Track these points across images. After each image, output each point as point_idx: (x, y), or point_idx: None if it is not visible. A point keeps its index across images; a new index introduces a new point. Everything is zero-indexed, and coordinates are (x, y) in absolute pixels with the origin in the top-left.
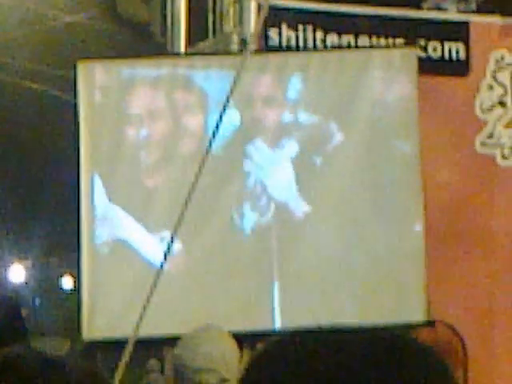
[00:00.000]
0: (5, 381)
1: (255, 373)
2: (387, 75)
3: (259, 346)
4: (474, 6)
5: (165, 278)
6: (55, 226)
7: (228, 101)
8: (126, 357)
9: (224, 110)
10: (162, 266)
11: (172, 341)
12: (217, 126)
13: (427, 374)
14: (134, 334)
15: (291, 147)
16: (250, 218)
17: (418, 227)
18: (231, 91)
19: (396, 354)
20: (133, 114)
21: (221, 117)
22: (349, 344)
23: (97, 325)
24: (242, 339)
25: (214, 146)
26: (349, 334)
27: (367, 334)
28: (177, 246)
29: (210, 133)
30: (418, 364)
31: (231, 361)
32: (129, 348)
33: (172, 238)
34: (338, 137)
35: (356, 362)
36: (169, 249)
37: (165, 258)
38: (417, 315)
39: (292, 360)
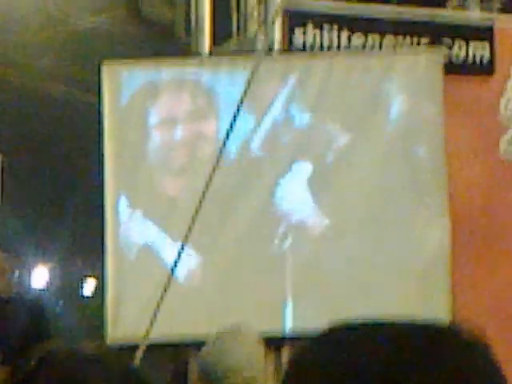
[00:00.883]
0: (45, 377)
1: (297, 374)
2: (412, 80)
3: (298, 345)
4: (497, 6)
5: (185, 286)
6: (79, 229)
7: (241, 103)
8: (137, 359)
9: (238, 112)
10: (172, 271)
11: (196, 344)
12: (229, 131)
13: (473, 370)
14: (144, 340)
15: (307, 163)
16: (268, 235)
17: (444, 230)
18: (245, 93)
19: (438, 346)
20: (155, 118)
21: (235, 120)
22: (391, 337)
23: (121, 329)
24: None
25: (231, 152)
26: (387, 328)
27: (406, 327)
28: (196, 255)
29: (227, 137)
30: (462, 358)
31: (258, 361)
32: (140, 352)
33: (182, 244)
34: (359, 145)
35: (406, 354)
36: (179, 254)
37: (176, 264)
38: (442, 315)
39: (335, 358)
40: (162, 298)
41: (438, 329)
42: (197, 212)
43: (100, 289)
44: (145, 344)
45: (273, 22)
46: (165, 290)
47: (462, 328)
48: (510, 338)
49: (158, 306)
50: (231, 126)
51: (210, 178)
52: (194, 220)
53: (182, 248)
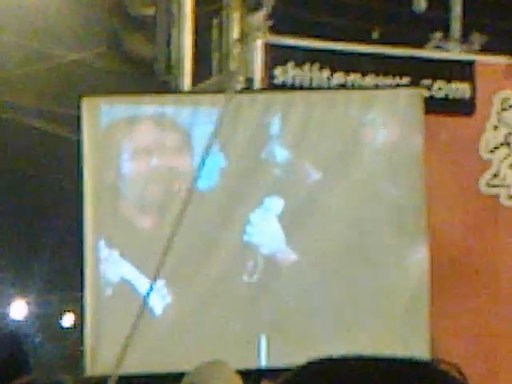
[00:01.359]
0: None
1: None
2: (392, 116)
3: (280, 377)
4: (477, 46)
5: (160, 321)
6: (56, 263)
7: (215, 139)
8: None
9: (211, 148)
10: (148, 307)
11: (173, 378)
12: (201, 166)
13: None
14: (115, 371)
15: (279, 199)
16: (240, 270)
17: (423, 266)
18: (216, 130)
19: (419, 378)
20: (132, 153)
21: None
22: (374, 372)
23: (99, 362)
24: (247, 377)
25: (204, 188)
26: (371, 362)
27: (388, 361)
28: (170, 290)
29: (197, 174)
30: None
31: None
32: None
33: (155, 277)
34: (336, 182)
35: None
36: (152, 289)
37: (149, 299)
38: (421, 353)
39: None
40: (136, 331)
41: (420, 365)
42: (169, 247)
43: (79, 323)
44: (117, 376)
45: (244, 60)
46: (142, 325)
47: (442, 366)
48: (488, 374)
49: (129, 340)
50: (204, 162)
51: (181, 214)
52: (165, 255)
53: (155, 282)
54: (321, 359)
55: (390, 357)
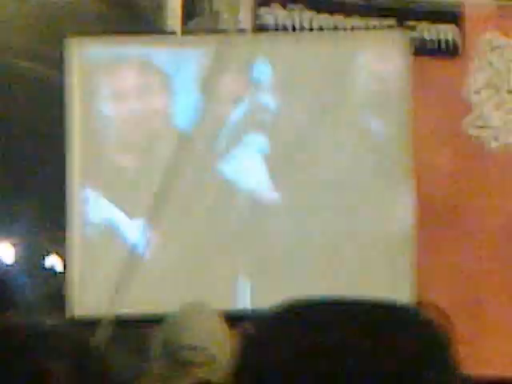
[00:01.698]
0: None
1: (253, 349)
2: (378, 56)
3: (250, 323)
4: None
5: (146, 263)
6: (42, 205)
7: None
8: (101, 335)
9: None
10: (134, 249)
11: (158, 320)
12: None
13: (428, 344)
14: (109, 315)
15: (263, 140)
16: (224, 209)
17: (408, 207)
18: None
19: (397, 323)
20: (113, 94)
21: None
22: (349, 315)
23: (84, 303)
24: (230, 318)
25: (186, 129)
26: (348, 305)
27: (366, 305)
28: (155, 232)
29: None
30: (419, 335)
31: (220, 338)
32: (104, 327)
33: (147, 221)
34: (322, 125)
35: (357, 332)
36: (142, 234)
37: (138, 243)
38: (404, 296)
39: (292, 334)
40: (123, 273)
41: (399, 309)
42: (153, 189)
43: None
44: (107, 319)
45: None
46: (127, 267)
47: (423, 311)
48: (471, 317)
49: (120, 282)
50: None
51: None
52: (154, 198)
53: (143, 225)
54: (298, 301)
55: (371, 301)
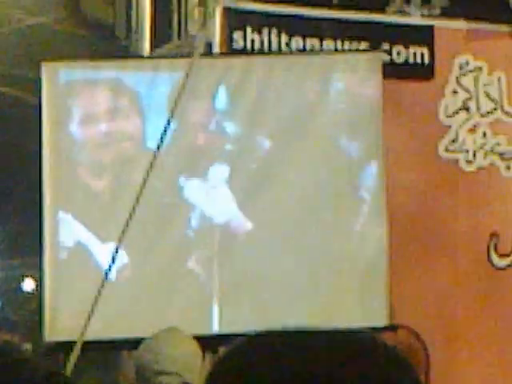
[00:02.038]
0: None
1: (220, 375)
2: (352, 80)
3: (223, 349)
4: (437, 11)
5: (116, 286)
6: (18, 228)
7: (173, 104)
8: (73, 358)
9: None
10: (107, 275)
11: (130, 344)
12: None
13: (393, 375)
14: (80, 338)
15: (228, 169)
16: (194, 237)
17: (381, 231)
18: (177, 95)
19: (362, 355)
20: (86, 116)
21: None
22: (314, 346)
23: (59, 327)
24: (205, 343)
25: (156, 152)
26: (314, 335)
27: (332, 335)
28: (125, 255)
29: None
30: (384, 365)
31: (193, 363)
32: (76, 350)
33: (117, 248)
34: (293, 147)
35: (322, 363)
36: (114, 258)
37: (110, 268)
38: (379, 319)
39: (257, 362)
40: (97, 297)
41: (364, 336)
42: (124, 212)
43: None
44: (80, 342)
45: (204, 25)
46: (98, 291)
47: (401, 332)
48: (446, 339)
49: (93, 306)
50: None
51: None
52: (127, 222)
53: (116, 251)
54: (267, 331)
55: (339, 330)
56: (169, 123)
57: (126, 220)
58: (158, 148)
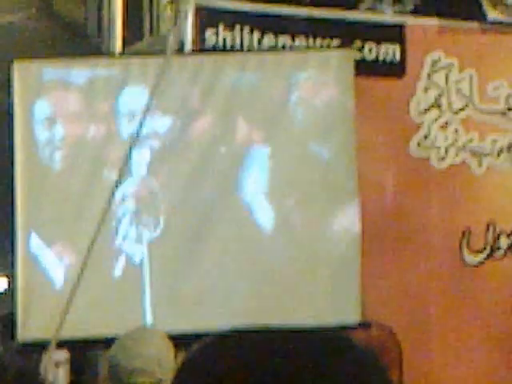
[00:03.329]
0: None
1: (188, 374)
2: (323, 77)
3: (193, 347)
4: (409, 8)
5: (90, 285)
6: None
7: (149, 104)
8: (48, 357)
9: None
10: (78, 276)
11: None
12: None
13: (362, 374)
14: (55, 337)
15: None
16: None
17: (354, 228)
18: (152, 95)
19: (330, 354)
20: (62, 117)
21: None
22: (284, 344)
23: (31, 326)
24: (177, 340)
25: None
26: (284, 334)
27: (303, 334)
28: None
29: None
30: (353, 364)
31: (166, 362)
32: (51, 349)
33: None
34: (262, 144)
35: (291, 362)
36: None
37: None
38: (352, 316)
39: (225, 360)
40: (68, 297)
41: (334, 335)
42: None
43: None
44: (54, 342)
45: (177, 23)
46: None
47: (374, 329)
48: (419, 335)
49: (68, 305)
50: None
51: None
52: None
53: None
54: (236, 328)
55: (308, 328)
56: (141, 123)
57: (97, 221)
58: (131, 149)
